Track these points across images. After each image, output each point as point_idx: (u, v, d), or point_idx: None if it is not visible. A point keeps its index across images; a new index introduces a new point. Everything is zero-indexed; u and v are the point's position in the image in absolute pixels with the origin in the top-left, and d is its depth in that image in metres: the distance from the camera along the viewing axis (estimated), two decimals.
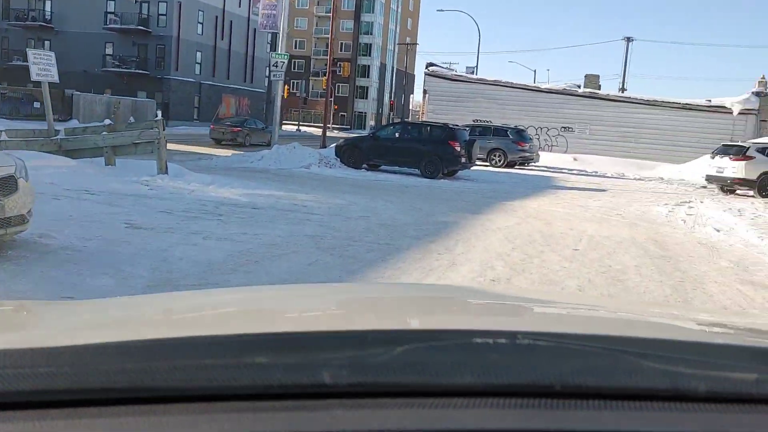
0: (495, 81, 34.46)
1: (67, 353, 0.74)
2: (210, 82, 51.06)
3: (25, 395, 0.71)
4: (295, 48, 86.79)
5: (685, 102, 31.75)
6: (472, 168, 19.48)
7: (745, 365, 0.80)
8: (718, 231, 10.86)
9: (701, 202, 15.29)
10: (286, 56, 20.74)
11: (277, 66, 20.77)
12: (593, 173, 26.02)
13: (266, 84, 57.89)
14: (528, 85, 34.36)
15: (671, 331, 1.13)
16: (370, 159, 19.19)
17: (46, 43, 48.91)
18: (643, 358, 0.77)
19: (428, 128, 19.19)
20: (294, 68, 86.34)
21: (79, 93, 39.51)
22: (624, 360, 0.77)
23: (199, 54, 49.52)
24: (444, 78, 34.77)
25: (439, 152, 18.25)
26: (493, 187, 17.05)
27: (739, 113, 30.61)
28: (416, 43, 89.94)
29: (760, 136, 30.38)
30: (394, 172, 19.11)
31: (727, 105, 31.02)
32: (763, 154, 18.30)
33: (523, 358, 0.76)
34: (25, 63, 20.27)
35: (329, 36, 32.96)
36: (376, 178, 17.08)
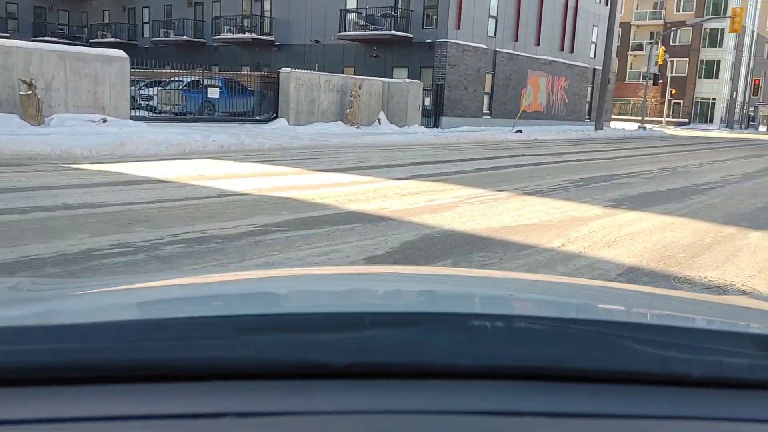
0: None
1: (79, 330, 0.77)
2: (509, 51, 31.18)
3: (32, 372, 0.71)
4: None
5: None
6: None
7: (739, 350, 0.80)
8: None
9: None
10: None
11: None
12: None
13: (593, 53, 36.64)
14: None
15: (665, 315, 1.11)
16: None
17: (266, 3, 33.19)
18: (638, 342, 0.78)
19: None
20: None
21: (288, 70, 22.10)
22: (619, 344, 0.78)
23: (494, 2, 29.89)
24: None
25: None
26: None
27: None
28: None
29: None
30: None
31: None
32: None
33: (520, 342, 0.77)
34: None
35: None
36: None
